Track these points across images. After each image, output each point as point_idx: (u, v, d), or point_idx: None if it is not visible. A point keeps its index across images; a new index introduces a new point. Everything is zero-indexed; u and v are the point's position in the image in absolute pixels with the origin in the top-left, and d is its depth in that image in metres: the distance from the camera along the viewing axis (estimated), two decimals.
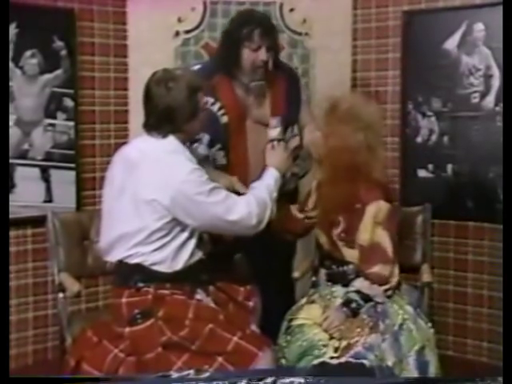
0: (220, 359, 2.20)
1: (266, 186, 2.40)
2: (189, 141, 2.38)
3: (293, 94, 2.81)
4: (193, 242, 2.31)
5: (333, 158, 2.40)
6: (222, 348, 2.21)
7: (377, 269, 2.38)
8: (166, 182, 2.20)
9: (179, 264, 2.29)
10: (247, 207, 2.29)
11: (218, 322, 2.26)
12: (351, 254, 2.45)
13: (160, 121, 2.25)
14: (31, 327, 3.23)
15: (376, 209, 2.40)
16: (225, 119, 2.71)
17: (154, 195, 2.21)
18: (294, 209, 2.64)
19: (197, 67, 2.87)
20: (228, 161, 2.70)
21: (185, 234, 2.28)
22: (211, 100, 2.70)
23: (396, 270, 2.42)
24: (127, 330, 2.25)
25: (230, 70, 2.69)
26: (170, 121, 2.24)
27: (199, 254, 2.35)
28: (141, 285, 2.26)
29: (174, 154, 2.24)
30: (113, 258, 2.32)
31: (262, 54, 2.65)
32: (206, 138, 2.70)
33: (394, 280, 2.41)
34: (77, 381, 2.17)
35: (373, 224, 2.40)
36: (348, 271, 2.47)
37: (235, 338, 2.21)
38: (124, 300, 2.27)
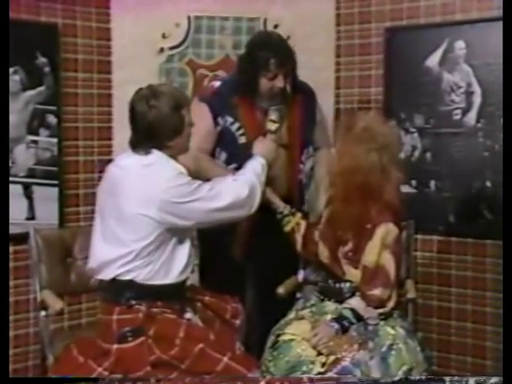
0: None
1: (252, 169, 2.45)
2: (178, 154, 2.36)
3: (309, 114, 2.83)
4: (186, 254, 2.31)
5: (345, 177, 2.38)
6: (212, 368, 2.20)
7: (377, 291, 2.37)
8: (149, 195, 2.22)
9: (173, 276, 2.28)
10: (234, 190, 2.34)
11: (209, 341, 2.25)
12: (353, 274, 2.44)
13: (143, 138, 2.27)
14: (11, 346, 3.17)
15: (385, 232, 2.39)
16: (243, 139, 2.74)
17: (140, 210, 2.21)
18: (316, 234, 2.59)
19: (217, 84, 2.86)
20: None
21: (177, 245, 2.29)
22: (230, 119, 2.74)
23: (394, 295, 2.41)
24: (115, 347, 2.22)
25: (249, 95, 2.70)
26: (153, 138, 2.26)
27: (192, 266, 2.36)
28: (132, 302, 2.25)
29: (154, 166, 2.26)
30: (105, 276, 2.31)
31: (280, 82, 2.66)
32: (223, 155, 2.72)
33: (391, 304, 2.40)
34: (77, 381, 2.16)
35: (380, 246, 2.39)
36: (344, 289, 2.46)
37: (225, 359, 2.21)
38: (115, 317, 2.25)
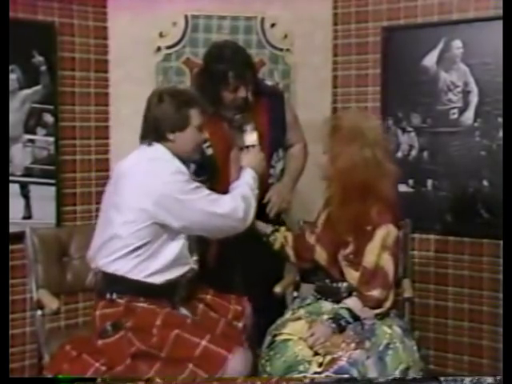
0: (190, 365, 2.18)
1: (246, 183, 2.45)
2: (182, 153, 2.37)
3: (276, 117, 2.81)
4: (176, 252, 2.31)
5: (343, 178, 2.37)
6: (190, 353, 2.19)
7: (376, 293, 2.37)
8: (148, 188, 2.24)
9: (157, 274, 2.28)
10: (233, 201, 2.34)
11: (185, 327, 2.25)
12: (354, 276, 2.43)
13: (147, 128, 2.34)
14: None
15: (386, 233, 2.38)
16: (210, 151, 2.74)
17: (137, 202, 2.24)
18: (308, 236, 2.60)
19: None
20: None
21: (167, 243, 2.29)
22: None
23: (391, 296, 2.41)
24: (100, 342, 2.25)
25: (212, 107, 2.68)
26: (155, 129, 2.32)
27: (183, 264, 2.35)
28: (114, 296, 2.26)
29: (157, 160, 2.30)
30: (95, 264, 2.34)
31: (242, 92, 2.65)
32: (192, 167, 2.72)
33: (387, 305, 2.40)
34: (76, 381, 2.16)
35: (380, 248, 2.37)
36: (342, 288, 2.46)
37: (203, 342, 2.20)
38: (98, 312, 2.28)
